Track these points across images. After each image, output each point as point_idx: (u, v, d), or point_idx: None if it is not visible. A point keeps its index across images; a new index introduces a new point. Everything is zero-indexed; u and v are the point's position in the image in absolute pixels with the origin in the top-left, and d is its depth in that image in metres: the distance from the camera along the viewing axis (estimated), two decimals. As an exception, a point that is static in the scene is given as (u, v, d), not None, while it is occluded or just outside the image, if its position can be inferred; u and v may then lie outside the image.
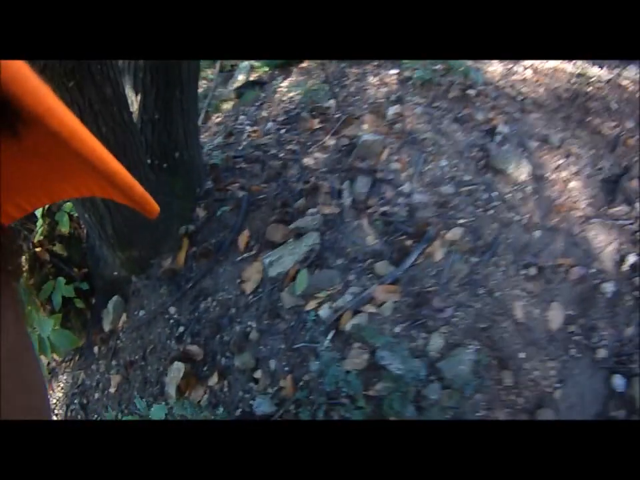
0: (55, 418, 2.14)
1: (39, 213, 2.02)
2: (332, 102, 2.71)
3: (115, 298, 2.09)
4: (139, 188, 0.29)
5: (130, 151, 1.91)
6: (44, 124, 0.22)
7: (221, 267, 2.06)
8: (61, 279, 2.01)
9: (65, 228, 2.03)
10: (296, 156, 2.41)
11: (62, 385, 2.19)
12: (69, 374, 2.19)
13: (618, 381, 2.09)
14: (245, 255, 2.07)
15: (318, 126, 2.59)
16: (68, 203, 2.04)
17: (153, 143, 2.10)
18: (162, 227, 2.09)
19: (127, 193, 0.29)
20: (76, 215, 2.07)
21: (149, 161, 2.07)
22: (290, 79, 2.92)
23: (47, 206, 2.06)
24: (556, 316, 2.17)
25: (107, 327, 2.08)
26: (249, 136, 2.57)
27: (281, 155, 2.43)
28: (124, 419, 1.87)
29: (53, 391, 2.20)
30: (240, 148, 2.50)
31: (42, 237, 2.04)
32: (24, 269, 2.02)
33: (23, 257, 2.03)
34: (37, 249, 2.02)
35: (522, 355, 2.00)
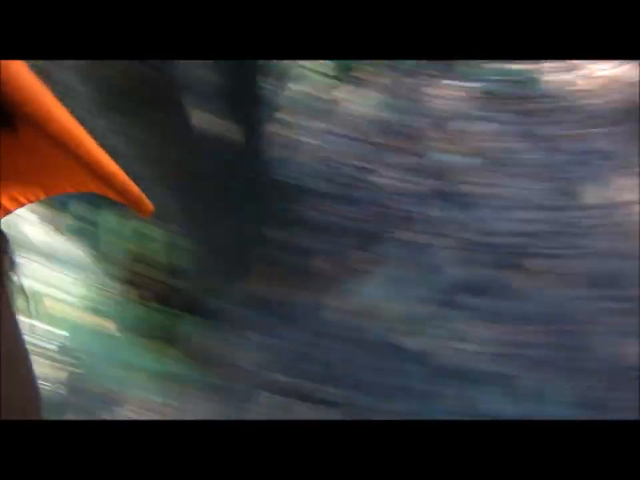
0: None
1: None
2: (397, 116, 2.63)
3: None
4: (135, 189, 0.31)
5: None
6: (43, 128, 0.22)
7: (299, 294, 2.00)
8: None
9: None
10: (366, 175, 2.34)
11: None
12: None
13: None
14: (323, 282, 2.01)
15: (385, 142, 2.51)
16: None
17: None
18: (237, 250, 2.03)
19: (123, 193, 0.30)
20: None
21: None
22: (349, 89, 2.83)
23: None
24: (632, 352, 2.12)
25: (178, 351, 2.02)
26: (314, 151, 2.49)
27: (351, 172, 2.36)
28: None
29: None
30: (306, 163, 2.42)
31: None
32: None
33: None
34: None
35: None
